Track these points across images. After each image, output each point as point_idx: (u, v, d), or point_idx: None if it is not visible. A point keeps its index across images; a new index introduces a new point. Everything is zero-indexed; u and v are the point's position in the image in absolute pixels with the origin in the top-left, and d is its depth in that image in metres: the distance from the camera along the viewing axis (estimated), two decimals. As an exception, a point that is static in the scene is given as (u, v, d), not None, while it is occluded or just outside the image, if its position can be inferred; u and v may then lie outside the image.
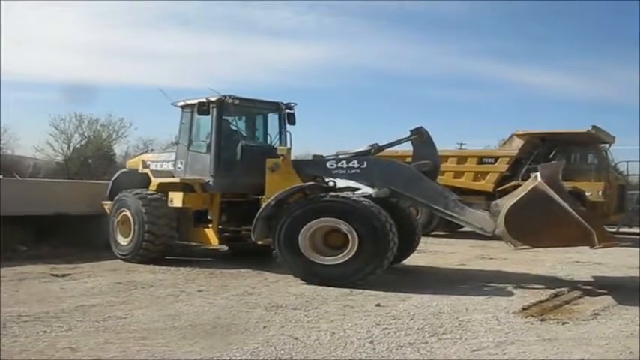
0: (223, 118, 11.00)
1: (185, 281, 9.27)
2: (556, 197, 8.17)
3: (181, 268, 10.34)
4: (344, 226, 8.99)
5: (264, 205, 9.78)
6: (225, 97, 10.77)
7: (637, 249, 14.74)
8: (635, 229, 20.68)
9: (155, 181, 11.59)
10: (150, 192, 11.42)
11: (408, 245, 10.82)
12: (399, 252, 10.67)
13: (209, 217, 11.15)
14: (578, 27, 72.85)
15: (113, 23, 64.88)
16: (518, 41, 78.67)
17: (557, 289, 9.03)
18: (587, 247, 13.23)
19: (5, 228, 11.40)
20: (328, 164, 10.17)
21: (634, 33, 71.96)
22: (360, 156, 10.21)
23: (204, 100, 10.78)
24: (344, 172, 9.97)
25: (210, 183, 10.75)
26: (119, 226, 11.54)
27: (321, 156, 10.75)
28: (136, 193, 11.30)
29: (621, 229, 19.39)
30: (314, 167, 10.36)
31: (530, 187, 8.62)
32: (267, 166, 10.19)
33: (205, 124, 11.19)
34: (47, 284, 8.82)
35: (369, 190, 10.17)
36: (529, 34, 75.43)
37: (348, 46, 76.49)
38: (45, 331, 5.98)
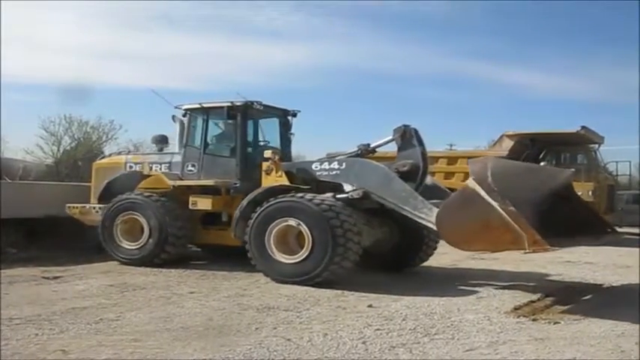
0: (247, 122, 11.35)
1: (177, 283, 9.25)
2: (486, 196, 7.35)
3: (172, 270, 10.32)
4: (292, 222, 9.30)
5: (239, 206, 10.12)
6: (252, 102, 11.15)
7: (627, 249, 14.84)
8: (633, 229, 20.80)
9: (170, 184, 11.37)
10: (160, 195, 11.25)
11: (415, 250, 10.82)
12: (404, 257, 10.72)
13: (223, 219, 11.10)
14: (567, 27, 73.26)
15: (100, 25, 64.50)
16: (508, 41, 79.14)
17: (549, 289, 9.08)
18: (578, 247, 13.44)
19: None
20: (313, 166, 10.38)
21: (625, 32, 72.42)
22: (348, 158, 10.33)
23: (231, 104, 11.03)
24: (326, 173, 10.15)
25: (237, 185, 10.86)
26: (121, 227, 11.33)
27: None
28: (150, 197, 11.16)
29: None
30: (302, 170, 10.53)
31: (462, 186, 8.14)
32: (263, 168, 10.43)
33: (220, 127, 11.63)
34: (38, 287, 8.79)
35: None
36: (519, 35, 75.85)
37: (336, 47, 76.55)
38: (36, 334, 5.95)
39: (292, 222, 9.30)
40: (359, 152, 10.48)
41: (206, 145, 11.46)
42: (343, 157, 10.54)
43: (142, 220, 11.09)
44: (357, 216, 9.57)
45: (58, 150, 39.90)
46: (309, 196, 9.42)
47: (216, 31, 73.44)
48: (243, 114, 11.15)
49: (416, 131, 10.00)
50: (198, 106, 11.58)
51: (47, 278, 9.48)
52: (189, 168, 11.46)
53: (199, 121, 11.57)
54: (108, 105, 67.57)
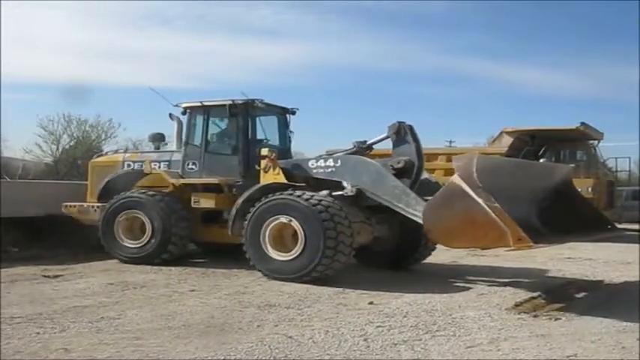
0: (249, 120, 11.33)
1: (177, 281, 9.25)
2: (471, 192, 7.30)
3: (173, 269, 10.32)
4: (284, 219, 9.36)
5: (236, 203, 10.17)
6: (253, 100, 11.15)
7: (627, 245, 14.84)
8: (633, 225, 20.80)
9: (172, 182, 11.39)
10: (164, 194, 11.21)
11: (413, 248, 10.74)
12: (403, 254, 10.70)
13: (225, 217, 10.91)
14: (566, 23, 73.31)
15: (95, 24, 64.57)
16: (506, 38, 79.32)
17: (550, 285, 9.08)
18: (579, 244, 13.47)
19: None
20: (310, 163, 10.41)
21: (623, 29, 72.48)
22: (343, 155, 10.37)
23: (233, 102, 11.04)
24: (322, 170, 10.17)
25: (240, 183, 10.79)
26: (122, 226, 11.21)
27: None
28: (154, 195, 11.08)
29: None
30: (299, 167, 10.54)
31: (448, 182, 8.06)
32: (261, 166, 10.39)
33: (221, 125, 11.64)
34: (39, 286, 8.78)
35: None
36: (517, 31, 75.94)
37: (332, 45, 76.52)
38: (38, 333, 5.96)
39: (284, 219, 9.35)
40: (355, 149, 10.48)
41: (207, 143, 11.44)
42: (339, 154, 10.55)
43: (145, 218, 11.02)
44: (356, 213, 9.58)
45: (57, 149, 39.90)
46: (301, 193, 9.45)
47: (211, 30, 73.47)
48: (244, 112, 11.14)
49: (411, 127, 9.95)
50: (198, 104, 11.53)
51: (48, 277, 9.48)
52: (190, 166, 11.43)
53: (200, 119, 11.54)
54: (105, 104, 67.60)
